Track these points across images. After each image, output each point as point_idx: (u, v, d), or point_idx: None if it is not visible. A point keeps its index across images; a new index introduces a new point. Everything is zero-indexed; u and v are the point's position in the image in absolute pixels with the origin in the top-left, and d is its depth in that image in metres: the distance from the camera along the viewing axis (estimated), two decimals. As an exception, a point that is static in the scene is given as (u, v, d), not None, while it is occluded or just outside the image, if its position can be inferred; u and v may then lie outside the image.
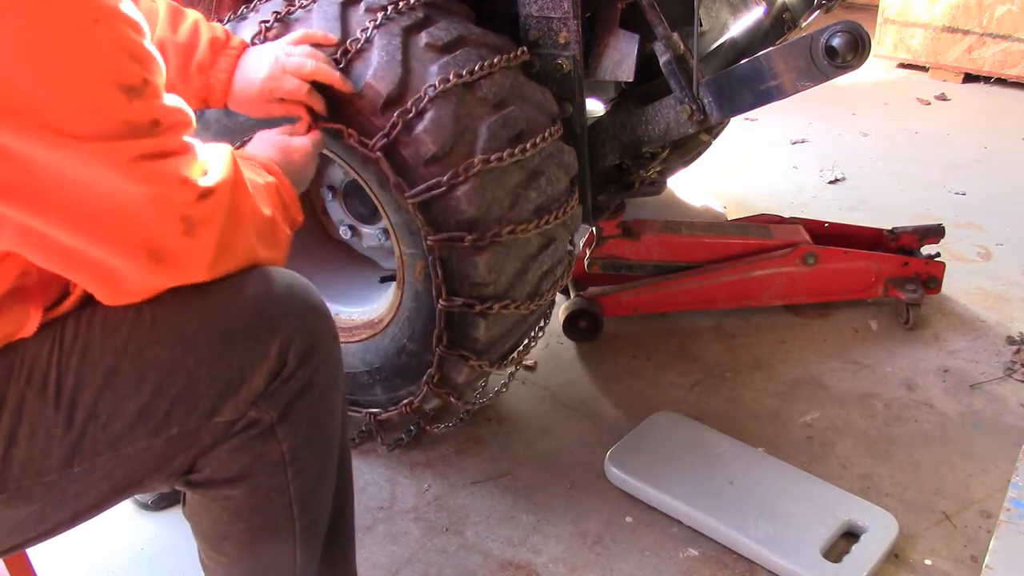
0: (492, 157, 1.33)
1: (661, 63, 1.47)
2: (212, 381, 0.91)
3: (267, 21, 1.41)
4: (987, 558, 1.05)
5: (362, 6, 1.40)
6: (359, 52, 1.34)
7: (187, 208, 0.85)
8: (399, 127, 1.32)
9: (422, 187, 1.34)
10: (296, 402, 0.96)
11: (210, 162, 0.91)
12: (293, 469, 0.98)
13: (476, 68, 1.35)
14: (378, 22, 1.35)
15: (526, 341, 1.62)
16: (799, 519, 1.49)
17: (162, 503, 1.59)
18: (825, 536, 1.46)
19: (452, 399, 1.53)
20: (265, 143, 1.22)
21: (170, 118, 0.85)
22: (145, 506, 1.59)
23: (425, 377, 1.50)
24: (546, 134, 1.41)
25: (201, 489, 0.99)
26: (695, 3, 1.42)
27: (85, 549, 1.51)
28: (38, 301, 0.91)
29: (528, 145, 1.37)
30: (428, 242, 1.37)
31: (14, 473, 0.87)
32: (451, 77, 1.32)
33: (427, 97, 1.31)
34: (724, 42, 1.81)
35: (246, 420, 0.94)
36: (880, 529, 1.47)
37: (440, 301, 1.40)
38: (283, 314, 0.94)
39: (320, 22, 1.38)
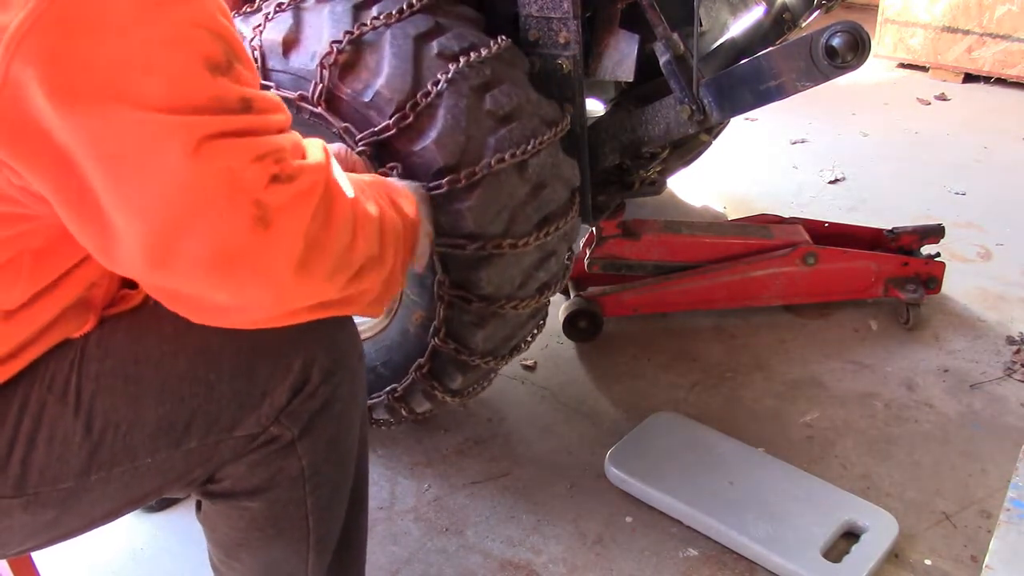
0: (520, 242, 1.35)
1: (661, 63, 1.47)
2: (234, 395, 0.90)
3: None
4: (987, 558, 1.04)
5: (434, 47, 1.33)
6: (429, 107, 1.29)
7: (262, 191, 0.76)
8: (446, 192, 1.30)
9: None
10: (317, 419, 0.95)
11: (308, 149, 0.85)
12: (312, 484, 0.98)
13: (528, 147, 1.34)
14: (450, 76, 1.29)
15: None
16: (799, 519, 1.49)
17: (163, 504, 1.59)
18: (825, 536, 1.46)
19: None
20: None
21: (263, 102, 0.80)
22: (147, 507, 1.59)
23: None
24: (568, 216, 1.42)
25: (220, 499, 0.98)
26: (695, 3, 1.42)
27: (85, 549, 1.51)
28: (99, 308, 0.91)
29: (552, 228, 1.39)
30: None
31: (32, 478, 0.87)
32: (506, 157, 1.31)
33: (481, 175, 1.30)
34: (724, 42, 1.81)
35: (267, 435, 0.93)
36: (880, 529, 1.47)
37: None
38: (308, 330, 0.91)
39: (393, 60, 1.31)
